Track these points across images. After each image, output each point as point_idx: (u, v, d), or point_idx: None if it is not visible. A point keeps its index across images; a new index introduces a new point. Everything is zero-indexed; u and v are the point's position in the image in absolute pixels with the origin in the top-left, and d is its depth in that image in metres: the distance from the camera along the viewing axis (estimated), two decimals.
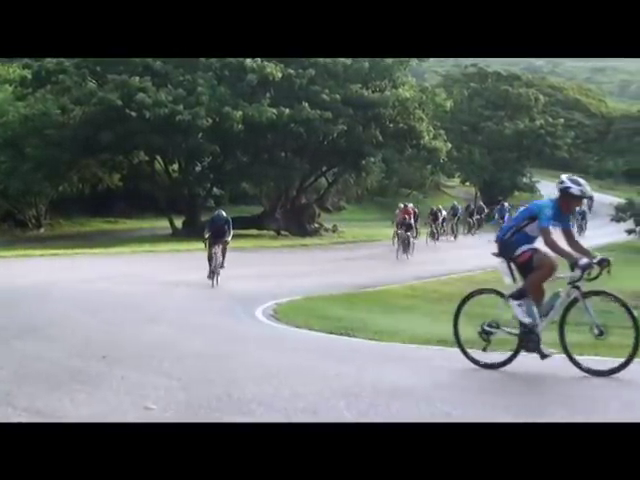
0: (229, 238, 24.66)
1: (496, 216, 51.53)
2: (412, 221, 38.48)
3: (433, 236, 45.85)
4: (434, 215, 47.01)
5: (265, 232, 48.43)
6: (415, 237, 42.09)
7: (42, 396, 8.56)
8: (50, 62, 44.85)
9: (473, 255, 38.63)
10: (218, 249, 24.21)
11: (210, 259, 24.14)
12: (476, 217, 55.37)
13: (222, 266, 24.22)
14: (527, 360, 11.93)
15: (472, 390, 9.00)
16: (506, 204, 54.65)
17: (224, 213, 25.46)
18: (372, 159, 51.65)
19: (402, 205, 42.89)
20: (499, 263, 10.60)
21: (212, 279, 23.75)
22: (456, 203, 53.29)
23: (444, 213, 48.85)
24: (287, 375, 9.93)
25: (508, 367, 10.89)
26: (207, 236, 24.78)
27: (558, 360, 11.90)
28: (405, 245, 36.68)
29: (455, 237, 49.70)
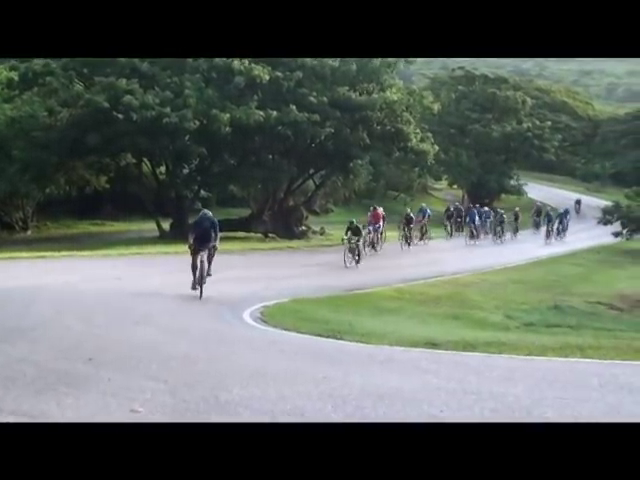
0: (217, 243, 22.16)
1: (467, 220, 50.78)
2: (360, 225, 34.95)
3: (407, 240, 43.92)
4: (408, 219, 44.66)
5: (252, 235, 48.38)
6: (383, 240, 41.21)
7: (29, 399, 8.54)
8: (37, 64, 44.76)
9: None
10: (204, 256, 21.72)
11: (195, 268, 21.60)
12: (456, 220, 53.49)
13: (209, 274, 21.81)
14: (513, 363, 11.97)
15: (459, 392, 9.01)
16: (486, 208, 54.39)
17: (209, 213, 22.78)
18: (359, 162, 51.65)
19: (372, 208, 42.06)
20: None
21: (199, 290, 21.34)
22: (424, 205, 50.79)
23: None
24: (274, 377, 9.93)
25: (494, 370, 10.91)
26: (192, 241, 21.78)
27: (545, 363, 11.95)
28: (352, 252, 33.06)
29: (425, 241, 47.02)
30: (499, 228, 50.80)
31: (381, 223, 40.51)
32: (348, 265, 32.25)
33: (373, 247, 38.85)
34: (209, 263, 21.98)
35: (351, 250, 32.91)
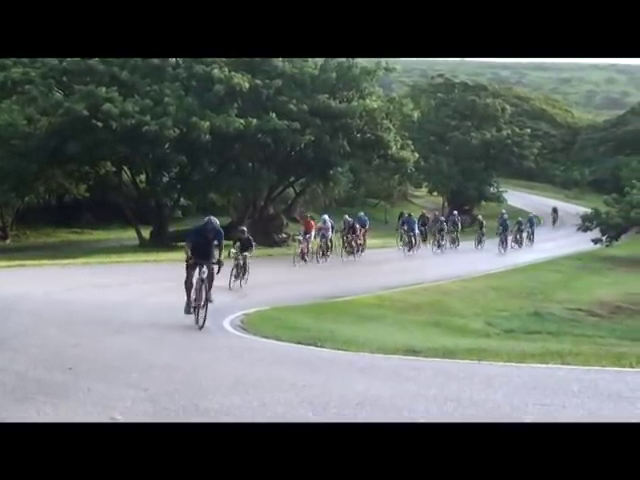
0: (221, 256, 18.21)
1: (405, 228, 45.30)
2: (250, 237, 27.89)
3: (351, 250, 40.39)
4: (351, 228, 40.97)
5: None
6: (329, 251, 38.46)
7: (8, 407, 8.50)
8: (16, 72, 44.69)
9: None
10: (205, 273, 17.81)
11: (190, 286, 17.87)
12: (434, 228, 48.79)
13: (210, 300, 17.91)
14: (493, 369, 11.99)
15: (439, 399, 9.02)
16: (455, 212, 51.61)
17: (216, 222, 18.31)
18: (340, 169, 51.67)
19: (305, 216, 39.77)
20: None
21: (195, 315, 17.67)
22: (363, 214, 45.55)
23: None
24: (255, 385, 9.92)
25: (475, 376, 10.93)
26: (190, 252, 17.89)
27: (525, 369, 11.98)
28: (238, 269, 26.73)
29: (361, 252, 41.82)
30: (438, 236, 47.24)
31: (313, 233, 37.42)
32: (232, 286, 26.00)
33: (303, 258, 36.35)
34: (210, 284, 18.04)
35: (237, 267, 26.61)
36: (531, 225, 53.89)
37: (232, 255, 26.37)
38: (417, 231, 45.83)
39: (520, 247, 50.54)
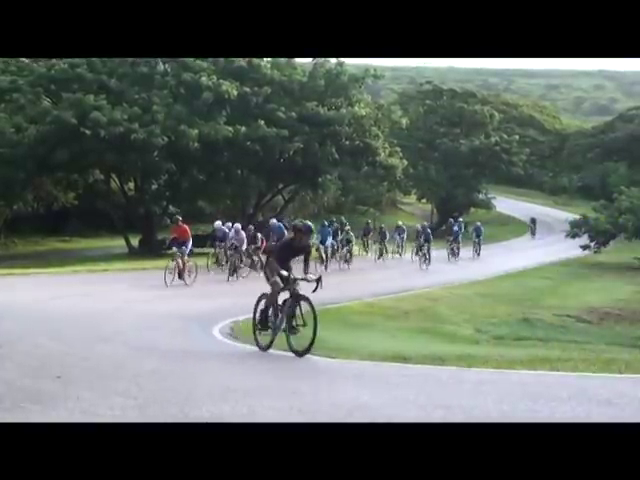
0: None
1: (315, 237, 35.56)
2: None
3: (255, 266, 33.80)
4: (252, 238, 34.69)
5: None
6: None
7: None
8: (3, 80, 44.75)
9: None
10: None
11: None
12: (340, 238, 41.68)
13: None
14: (482, 376, 11.98)
15: (429, 406, 9.01)
16: (399, 223, 47.33)
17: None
18: (328, 176, 51.83)
19: (176, 219, 31.38)
20: None
21: None
22: (275, 220, 39.78)
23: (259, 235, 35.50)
24: (244, 393, 9.89)
25: (464, 383, 10.92)
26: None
27: (515, 376, 11.98)
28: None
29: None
30: (345, 250, 40.91)
31: (189, 243, 29.57)
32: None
33: (180, 276, 28.49)
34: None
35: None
36: (477, 235, 48.98)
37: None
38: (329, 243, 39.88)
39: (455, 259, 45.72)
